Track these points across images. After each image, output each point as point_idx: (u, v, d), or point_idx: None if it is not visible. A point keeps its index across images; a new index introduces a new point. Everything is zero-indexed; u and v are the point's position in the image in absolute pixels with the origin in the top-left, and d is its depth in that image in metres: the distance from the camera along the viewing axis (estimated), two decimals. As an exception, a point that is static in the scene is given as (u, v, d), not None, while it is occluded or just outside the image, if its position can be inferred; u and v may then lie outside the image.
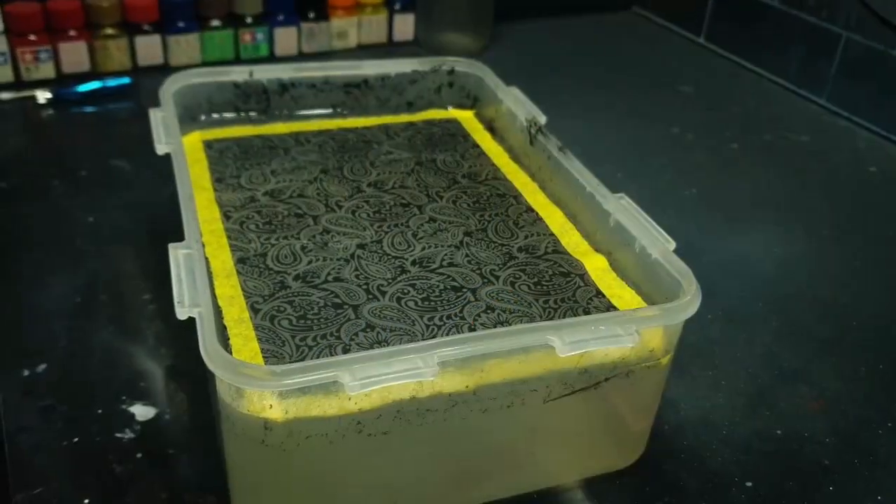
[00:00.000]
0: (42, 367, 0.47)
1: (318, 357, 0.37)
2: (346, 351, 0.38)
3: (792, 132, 0.81)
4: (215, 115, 0.57)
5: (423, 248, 0.46)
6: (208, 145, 0.54)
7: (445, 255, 0.46)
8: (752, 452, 0.45)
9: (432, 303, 0.42)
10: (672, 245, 0.42)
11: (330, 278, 0.43)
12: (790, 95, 0.89)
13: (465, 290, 0.43)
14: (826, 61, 0.84)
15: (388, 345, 0.39)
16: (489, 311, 0.41)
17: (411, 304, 0.42)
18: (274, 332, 0.39)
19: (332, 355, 0.37)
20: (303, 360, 0.37)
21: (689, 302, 0.38)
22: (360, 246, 0.46)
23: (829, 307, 0.57)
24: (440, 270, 0.44)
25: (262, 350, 0.38)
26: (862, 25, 0.80)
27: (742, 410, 0.48)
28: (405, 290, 0.43)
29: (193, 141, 0.54)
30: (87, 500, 0.40)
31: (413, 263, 0.45)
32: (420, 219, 0.49)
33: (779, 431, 0.47)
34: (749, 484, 0.44)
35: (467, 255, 0.46)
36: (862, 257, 0.63)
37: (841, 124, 0.83)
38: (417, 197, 0.51)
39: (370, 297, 0.42)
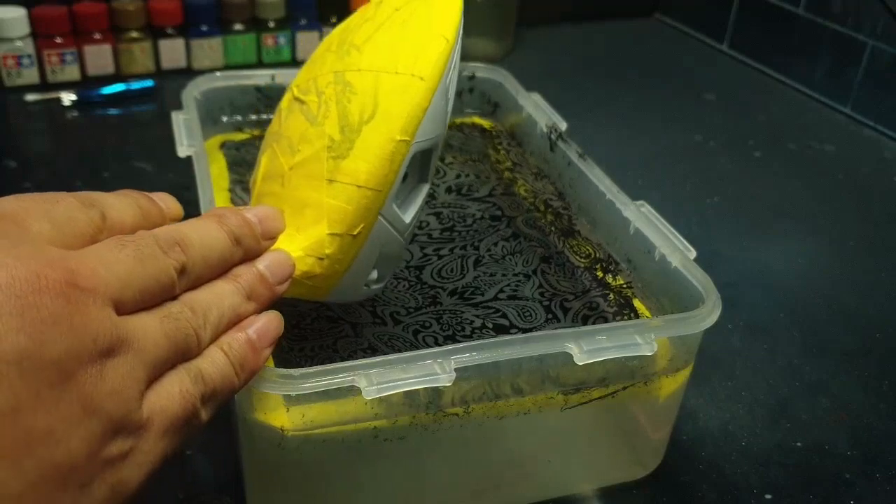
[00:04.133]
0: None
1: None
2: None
3: (817, 141, 0.81)
4: (237, 119, 0.57)
5: (477, 277, 0.44)
6: (228, 146, 0.54)
7: (507, 285, 0.44)
8: (772, 465, 0.45)
9: (458, 342, 0.40)
10: (693, 254, 0.42)
11: None
12: (815, 104, 0.88)
13: (514, 331, 0.41)
14: (851, 70, 0.84)
15: None
16: None
17: (430, 340, 0.40)
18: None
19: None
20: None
21: (709, 311, 0.38)
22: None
23: (853, 318, 0.57)
24: (488, 304, 0.43)
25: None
26: (888, 34, 0.79)
27: (762, 422, 0.48)
28: (426, 324, 0.41)
29: (214, 144, 0.55)
30: (104, 500, 0.40)
31: (452, 293, 0.44)
32: (500, 235, 0.47)
33: (799, 444, 0.46)
34: (768, 496, 0.43)
35: (540, 286, 0.44)
36: (887, 268, 0.62)
37: (866, 133, 0.82)
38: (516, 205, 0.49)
39: (377, 320, 0.41)
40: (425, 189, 0.38)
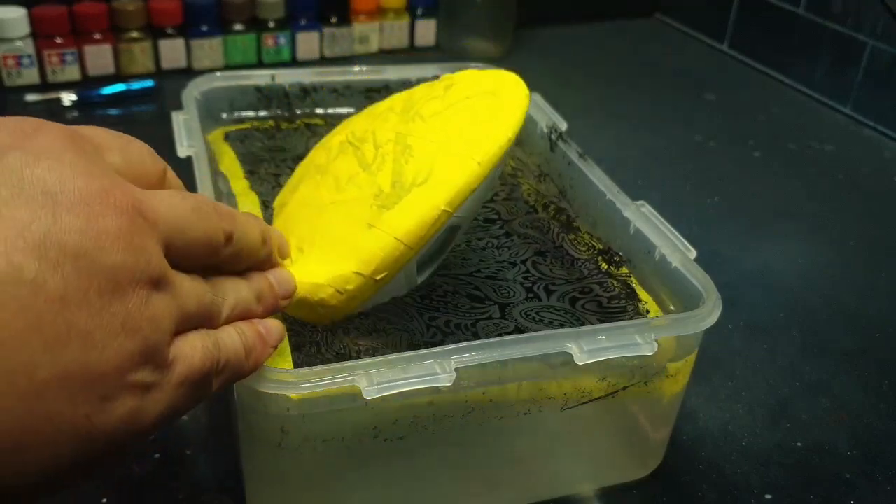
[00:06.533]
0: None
1: (328, 343, 0.38)
2: (346, 333, 0.38)
3: (816, 141, 0.81)
4: (237, 119, 0.57)
5: (447, 259, 0.45)
6: (232, 137, 0.54)
7: (486, 268, 0.45)
8: (772, 465, 0.45)
9: (434, 302, 0.41)
10: (693, 253, 0.42)
11: None
12: (815, 104, 0.88)
13: (489, 302, 0.42)
14: (852, 70, 0.84)
15: (386, 335, 0.39)
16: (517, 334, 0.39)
17: (408, 299, 0.41)
18: None
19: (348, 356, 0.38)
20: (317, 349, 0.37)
21: (710, 311, 0.38)
22: None
23: (853, 319, 0.57)
24: (461, 277, 0.44)
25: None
26: (888, 34, 0.79)
27: (762, 422, 0.48)
28: None
29: (218, 136, 0.55)
30: (105, 500, 0.40)
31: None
32: (490, 234, 0.47)
33: (799, 443, 0.46)
34: (769, 496, 0.43)
35: (526, 272, 0.44)
36: (888, 268, 0.62)
37: (866, 133, 0.82)
38: (515, 209, 0.49)
39: None
40: (440, 260, 0.41)
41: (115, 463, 0.26)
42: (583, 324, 0.41)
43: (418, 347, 0.38)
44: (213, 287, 0.29)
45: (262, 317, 0.31)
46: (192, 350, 0.26)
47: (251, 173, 0.51)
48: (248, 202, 0.48)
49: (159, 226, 0.25)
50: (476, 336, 0.39)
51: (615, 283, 0.44)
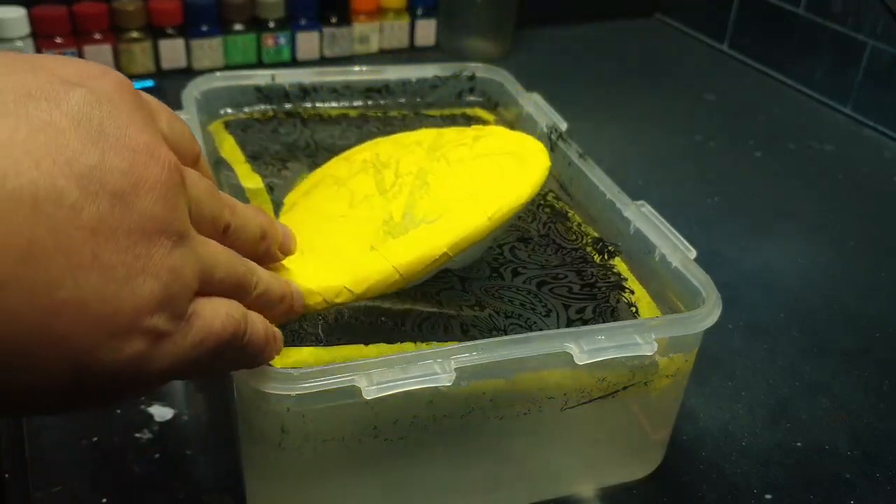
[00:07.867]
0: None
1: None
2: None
3: (817, 141, 0.81)
4: (236, 119, 0.57)
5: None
6: (233, 126, 0.55)
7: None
8: (772, 465, 0.45)
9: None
10: (693, 253, 0.42)
11: None
12: (815, 104, 0.88)
13: (450, 274, 0.42)
14: (852, 70, 0.84)
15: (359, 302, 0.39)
16: (477, 308, 0.40)
17: None
18: None
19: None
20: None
21: (710, 311, 0.38)
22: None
23: (853, 319, 0.57)
24: None
25: None
26: (888, 34, 0.79)
27: (762, 422, 0.48)
28: None
29: (219, 126, 0.55)
30: (105, 500, 0.40)
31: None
32: None
33: (799, 444, 0.46)
34: (769, 496, 0.43)
35: (499, 254, 0.45)
36: (888, 269, 0.62)
37: (866, 133, 0.82)
38: None
39: None
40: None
41: (115, 401, 0.26)
42: (545, 306, 0.41)
43: (390, 311, 0.39)
44: (249, 268, 0.29)
45: (277, 317, 0.32)
46: (213, 312, 0.27)
47: (254, 158, 0.51)
48: (252, 185, 0.48)
49: (188, 191, 0.26)
50: (440, 304, 0.40)
51: (604, 272, 0.44)
